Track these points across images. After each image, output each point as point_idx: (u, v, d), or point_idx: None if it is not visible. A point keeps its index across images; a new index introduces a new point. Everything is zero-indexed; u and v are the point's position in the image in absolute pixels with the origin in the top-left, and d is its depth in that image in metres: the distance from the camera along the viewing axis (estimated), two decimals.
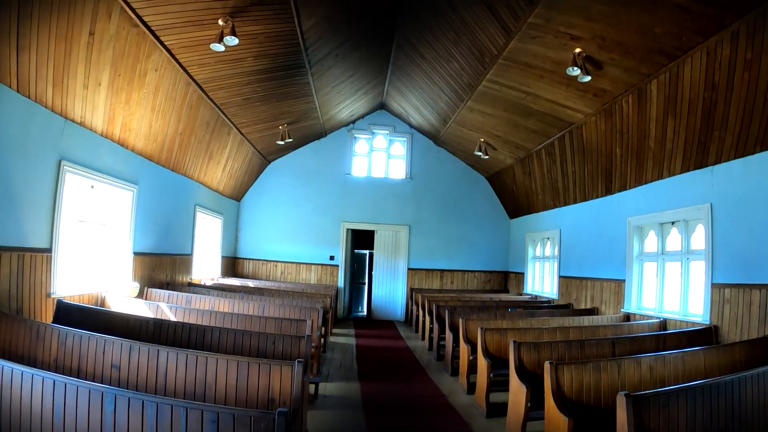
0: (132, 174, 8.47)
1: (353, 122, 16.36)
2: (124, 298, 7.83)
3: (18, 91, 5.61)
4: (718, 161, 7.41)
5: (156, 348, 4.58)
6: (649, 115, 8.19)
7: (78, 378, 4.43)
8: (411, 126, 16.55)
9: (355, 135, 16.50)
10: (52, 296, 6.42)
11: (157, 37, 7.16)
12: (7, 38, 5.11)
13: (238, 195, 15.42)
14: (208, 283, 12.24)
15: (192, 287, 10.65)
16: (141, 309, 7.49)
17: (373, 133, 16.58)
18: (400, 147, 16.83)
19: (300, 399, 4.46)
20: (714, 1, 5.97)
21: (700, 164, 7.73)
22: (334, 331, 13.37)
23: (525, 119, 11.21)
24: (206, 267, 13.07)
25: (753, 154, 6.78)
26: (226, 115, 10.64)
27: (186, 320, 7.19)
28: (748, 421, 4.35)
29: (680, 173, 8.20)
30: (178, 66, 8.06)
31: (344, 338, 12.60)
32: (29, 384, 3.34)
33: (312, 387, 7.18)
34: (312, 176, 16.21)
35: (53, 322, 5.95)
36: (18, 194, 5.82)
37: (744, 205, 7.03)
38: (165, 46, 7.47)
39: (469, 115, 12.61)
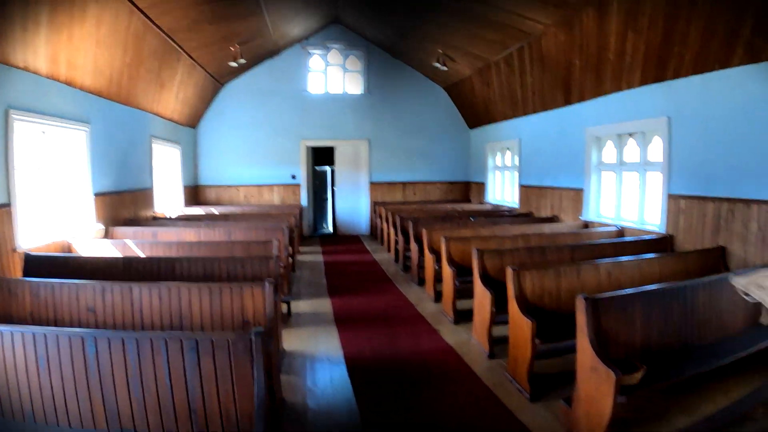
0: (83, 113, 8.15)
1: (307, 38, 15.85)
2: (91, 241, 7.75)
3: None
4: (677, 76, 7.52)
5: (128, 285, 4.67)
6: (610, 28, 8.22)
7: (56, 327, 4.55)
8: (367, 39, 16.18)
9: (310, 51, 16.03)
10: (19, 250, 6.29)
11: None
12: None
13: (193, 122, 15.05)
14: (173, 215, 12.16)
15: (156, 221, 10.57)
16: (108, 249, 7.48)
17: (328, 48, 16.14)
18: (356, 61, 16.49)
19: (274, 318, 4.65)
20: None
21: (659, 78, 7.85)
22: (301, 249, 13.57)
23: (484, 30, 11.07)
24: (168, 199, 12.91)
25: (712, 71, 6.89)
26: (174, 41, 10.17)
27: (154, 255, 7.24)
28: (700, 324, 4.69)
29: (639, 86, 8.33)
30: None
31: (312, 256, 12.82)
32: (10, 342, 3.35)
33: (284, 306, 7.41)
34: (268, 96, 15.86)
35: (24, 276, 5.96)
36: None
37: (701, 121, 7.22)
38: None
39: (427, 27, 12.41)
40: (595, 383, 3.82)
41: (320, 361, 5.83)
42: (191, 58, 11.62)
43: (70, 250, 7.53)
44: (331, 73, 16.43)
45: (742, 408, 4.31)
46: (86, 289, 4.72)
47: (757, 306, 3.68)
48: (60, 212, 7.81)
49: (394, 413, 4.63)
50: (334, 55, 16.36)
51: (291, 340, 6.44)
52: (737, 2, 6.00)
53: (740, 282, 1.65)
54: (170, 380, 3.25)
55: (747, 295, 1.64)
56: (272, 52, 15.44)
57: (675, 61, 7.38)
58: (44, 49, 6.70)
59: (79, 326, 4.67)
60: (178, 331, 4.54)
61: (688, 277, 5.46)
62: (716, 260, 6.75)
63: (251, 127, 15.83)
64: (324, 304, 8.16)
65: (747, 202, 6.47)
